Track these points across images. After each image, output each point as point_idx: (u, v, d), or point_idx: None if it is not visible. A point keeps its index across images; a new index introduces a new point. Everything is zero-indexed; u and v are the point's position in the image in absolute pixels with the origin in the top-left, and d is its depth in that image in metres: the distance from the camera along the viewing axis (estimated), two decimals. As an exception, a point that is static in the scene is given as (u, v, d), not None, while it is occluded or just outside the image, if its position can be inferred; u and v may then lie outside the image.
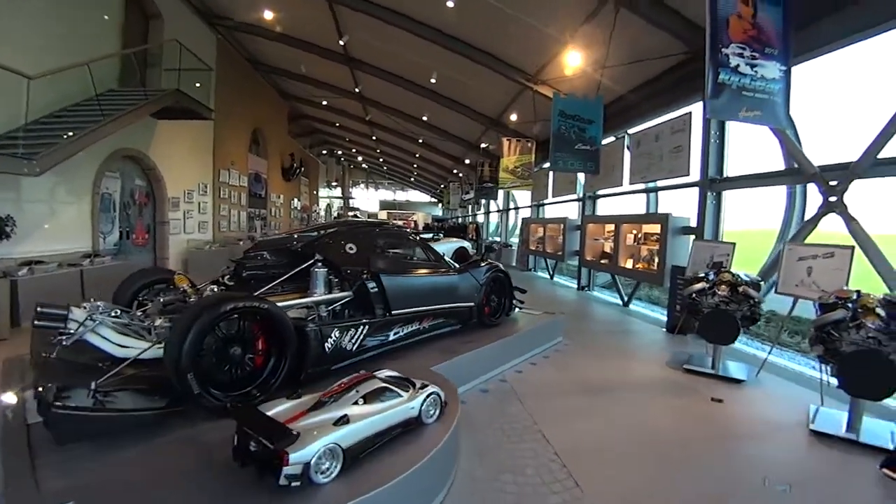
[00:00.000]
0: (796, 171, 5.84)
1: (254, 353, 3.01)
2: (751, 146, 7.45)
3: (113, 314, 3.16)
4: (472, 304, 4.93)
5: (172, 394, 2.74)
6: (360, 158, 28.95)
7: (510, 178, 11.88)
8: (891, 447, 3.32)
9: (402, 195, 36.47)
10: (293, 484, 1.97)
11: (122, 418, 2.50)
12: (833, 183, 5.21)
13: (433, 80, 11.63)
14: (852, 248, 4.60)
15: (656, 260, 8.05)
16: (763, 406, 4.25)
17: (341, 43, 11.41)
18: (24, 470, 2.24)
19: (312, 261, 3.82)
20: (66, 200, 7.86)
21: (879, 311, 3.48)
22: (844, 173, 5.09)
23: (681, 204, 9.31)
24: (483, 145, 15.59)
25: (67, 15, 7.60)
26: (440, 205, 32.51)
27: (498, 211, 19.11)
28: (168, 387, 2.73)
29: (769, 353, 5.51)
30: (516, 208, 17.41)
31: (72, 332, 3.02)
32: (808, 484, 2.90)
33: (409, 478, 2.18)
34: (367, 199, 34.65)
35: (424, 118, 15.57)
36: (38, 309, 3.05)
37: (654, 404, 4.21)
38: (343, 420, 2.20)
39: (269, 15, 11.08)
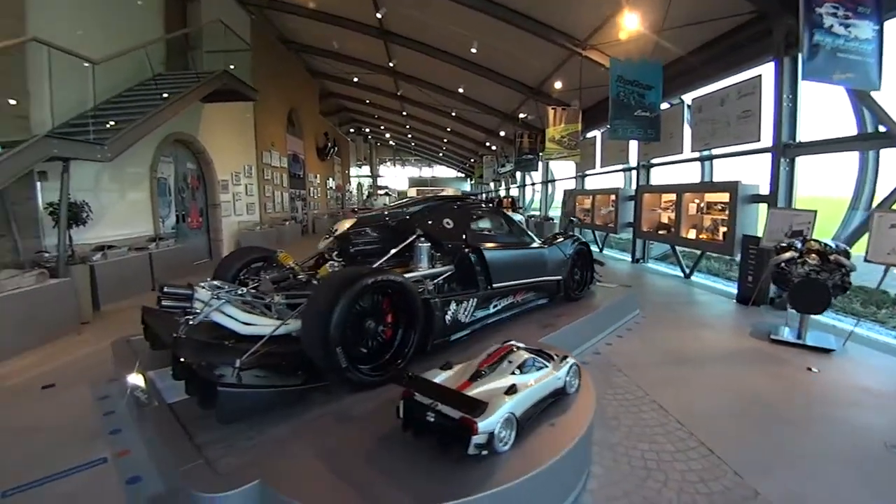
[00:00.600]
0: (884, 136, 5.48)
1: (384, 325, 3.03)
2: (813, 110, 7.01)
3: (236, 293, 3.22)
4: (560, 277, 4.90)
5: (308, 369, 2.78)
6: (387, 136, 28.74)
7: (557, 149, 11.55)
8: None
9: (427, 171, 36.20)
10: (483, 453, 2.00)
11: (274, 395, 2.54)
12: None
13: (474, 50, 11.28)
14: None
15: (721, 230, 7.79)
16: (861, 375, 4.15)
17: (378, 16, 11.13)
18: (190, 450, 2.29)
19: (415, 236, 3.83)
20: (128, 186, 8.03)
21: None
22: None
23: (738, 171, 8.96)
24: (522, 115, 15.19)
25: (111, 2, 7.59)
26: (469, 180, 32.23)
27: (533, 184, 18.80)
28: (302, 363, 2.78)
29: (856, 324, 5.33)
30: (552, 181, 17.07)
31: (198, 311, 3.10)
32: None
33: (574, 449, 2.19)
34: (395, 177, 34.51)
35: (460, 90, 15.22)
36: (165, 289, 3.12)
37: (751, 373, 4.17)
38: (512, 389, 2.22)
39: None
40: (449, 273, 3.82)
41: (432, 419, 2.11)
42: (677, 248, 9.08)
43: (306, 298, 3.20)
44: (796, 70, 6.44)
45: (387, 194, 28.92)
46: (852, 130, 6.01)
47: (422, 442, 2.18)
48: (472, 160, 26.46)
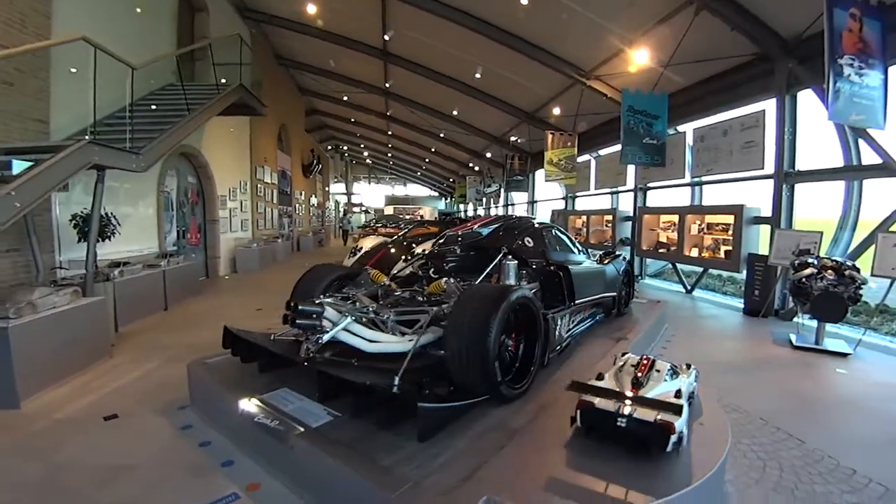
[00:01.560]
0: (881, 167, 6.19)
1: (512, 340, 3.13)
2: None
3: (363, 311, 3.21)
4: (615, 293, 5.14)
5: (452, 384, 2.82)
6: (366, 154, 28.69)
7: (555, 171, 12.08)
8: None
9: (401, 190, 36.30)
10: (679, 449, 2.21)
11: (456, 410, 2.58)
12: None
13: (478, 76, 11.67)
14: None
15: (723, 248, 8.41)
16: (881, 373, 4.80)
17: (386, 38, 11.33)
18: (381, 472, 2.21)
19: (502, 254, 3.95)
20: (136, 199, 7.68)
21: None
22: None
23: (727, 195, 9.70)
24: (513, 139, 15.72)
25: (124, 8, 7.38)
26: (445, 199, 32.64)
27: (513, 204, 19.39)
28: (442, 377, 2.82)
29: (864, 332, 5.95)
30: (536, 201, 17.66)
31: (328, 330, 3.07)
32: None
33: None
34: (369, 195, 34.33)
35: (454, 113, 15.59)
36: (300, 308, 3.07)
37: (791, 375, 4.67)
38: (679, 394, 2.42)
39: (311, 9, 10.91)
40: (535, 290, 3.97)
41: (623, 424, 2.24)
42: (678, 265, 9.67)
43: (422, 314, 3.26)
44: (796, 106, 7.19)
45: (365, 212, 28.80)
46: (837, 161, 6.81)
47: (602, 446, 2.32)
48: (452, 179, 26.90)
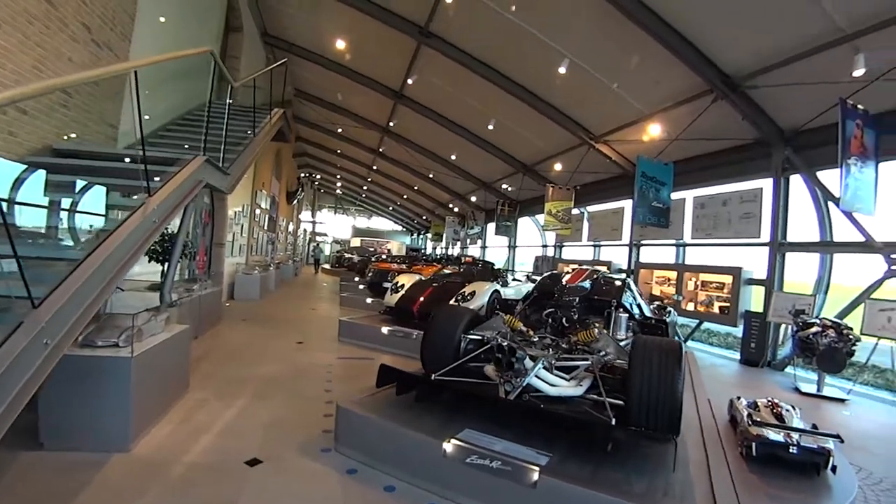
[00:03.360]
0: (863, 244, 7.40)
1: None
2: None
3: (551, 357, 3.43)
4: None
5: None
6: (339, 184, 28.46)
7: (552, 221, 12.91)
8: None
9: (363, 222, 36.08)
10: (835, 473, 2.79)
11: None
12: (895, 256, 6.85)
13: (490, 127, 12.40)
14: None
15: (717, 304, 9.44)
16: (877, 414, 5.87)
17: (409, 82, 11.80)
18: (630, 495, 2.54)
19: (613, 307, 4.37)
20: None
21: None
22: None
23: (708, 256, 10.94)
24: (504, 186, 16.55)
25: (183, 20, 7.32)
26: (414, 235, 32.91)
27: (484, 247, 20.28)
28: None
29: (854, 382, 7.00)
30: (515, 246, 18.53)
31: (524, 373, 3.27)
32: None
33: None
34: (334, 225, 33.72)
35: (453, 157, 16.19)
36: (507, 348, 3.26)
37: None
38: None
39: (340, 44, 11.22)
40: None
41: (795, 451, 2.81)
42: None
43: (582, 361, 3.57)
44: (788, 187, 8.47)
45: (336, 242, 28.21)
46: (812, 235, 8.19)
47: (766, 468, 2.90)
48: (425, 217, 27.30)
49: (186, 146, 5.49)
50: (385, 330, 7.12)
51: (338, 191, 30.70)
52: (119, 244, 2.96)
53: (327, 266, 25.94)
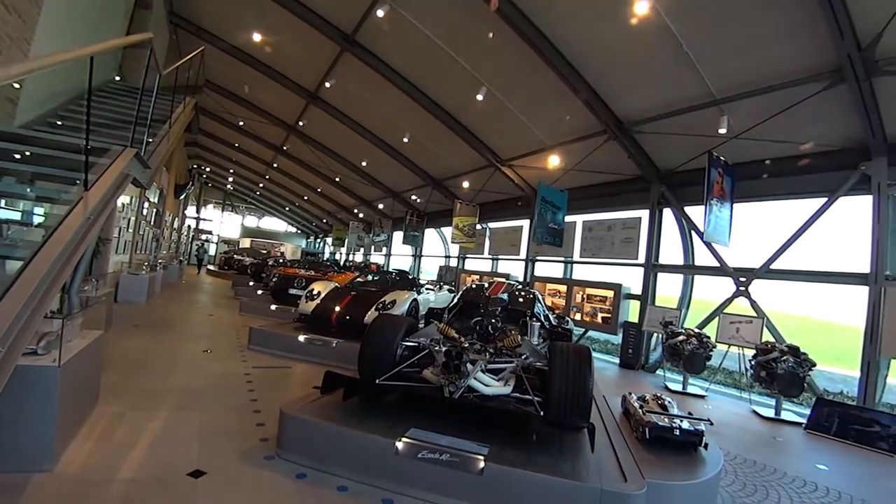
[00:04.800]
0: (719, 269, 9.17)
1: None
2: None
3: (488, 358, 3.86)
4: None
5: None
6: (231, 179, 26.23)
7: (459, 235, 13.67)
8: (802, 421, 6.44)
9: (253, 221, 33.62)
10: (707, 449, 3.66)
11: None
12: (742, 279, 8.71)
13: (406, 140, 12.78)
14: (764, 317, 7.98)
15: (600, 315, 10.91)
16: (730, 406, 7.32)
17: (327, 85, 11.68)
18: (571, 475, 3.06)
19: (527, 317, 5.05)
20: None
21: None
22: (750, 274, 8.60)
23: (590, 272, 12.58)
24: (413, 197, 16.96)
25: None
26: (311, 238, 31.52)
27: (388, 255, 20.52)
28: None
29: (710, 381, 8.67)
30: (420, 256, 19.08)
31: (467, 375, 3.68)
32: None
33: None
34: (221, 223, 30.84)
35: (363, 164, 16.16)
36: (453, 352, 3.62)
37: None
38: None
39: (256, 37, 10.76)
40: None
41: (678, 434, 3.61)
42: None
43: (508, 364, 4.11)
44: (662, 218, 10.16)
45: (224, 242, 25.72)
46: (677, 258, 9.95)
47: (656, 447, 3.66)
48: (326, 220, 26.43)
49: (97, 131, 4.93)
50: (302, 338, 7.00)
51: (229, 186, 28.39)
52: (63, 246, 2.74)
53: (212, 267, 23.82)
